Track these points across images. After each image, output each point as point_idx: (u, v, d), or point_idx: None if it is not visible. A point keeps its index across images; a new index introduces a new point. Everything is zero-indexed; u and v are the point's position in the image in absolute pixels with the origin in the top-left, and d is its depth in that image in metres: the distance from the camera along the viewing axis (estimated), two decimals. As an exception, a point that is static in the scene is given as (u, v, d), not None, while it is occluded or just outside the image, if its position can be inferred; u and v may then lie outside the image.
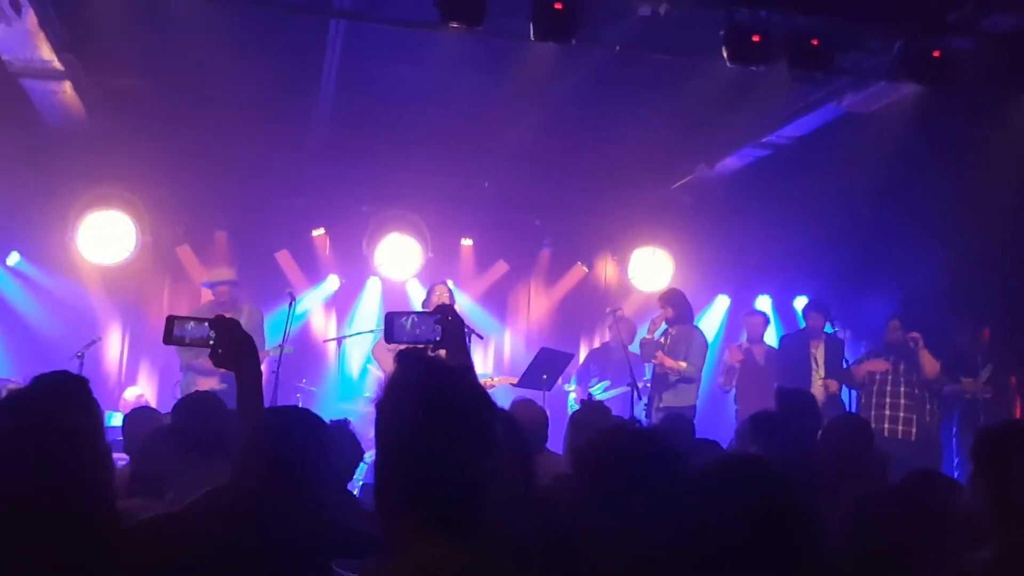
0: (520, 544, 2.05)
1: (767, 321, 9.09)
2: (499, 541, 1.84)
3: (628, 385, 7.69)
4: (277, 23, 7.05)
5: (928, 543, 2.35)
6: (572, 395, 8.97)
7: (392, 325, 2.65)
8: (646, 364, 8.05)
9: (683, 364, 7.66)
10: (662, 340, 7.92)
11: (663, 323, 7.96)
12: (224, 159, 8.74)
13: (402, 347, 2.54)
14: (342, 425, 3.85)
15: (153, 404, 7.54)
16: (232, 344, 2.34)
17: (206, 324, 2.40)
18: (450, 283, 9.21)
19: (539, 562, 2.03)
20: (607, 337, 9.96)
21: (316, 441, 2.69)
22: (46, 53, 6.95)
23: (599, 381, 8.83)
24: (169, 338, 2.46)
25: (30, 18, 6.41)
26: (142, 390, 8.61)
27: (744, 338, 8.94)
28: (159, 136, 8.30)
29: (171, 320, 2.47)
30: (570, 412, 7.95)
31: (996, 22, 6.14)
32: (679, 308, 7.97)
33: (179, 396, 7.40)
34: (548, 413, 4.66)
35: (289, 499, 2.46)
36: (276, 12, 6.85)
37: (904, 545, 2.37)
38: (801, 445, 4.02)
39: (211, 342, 2.34)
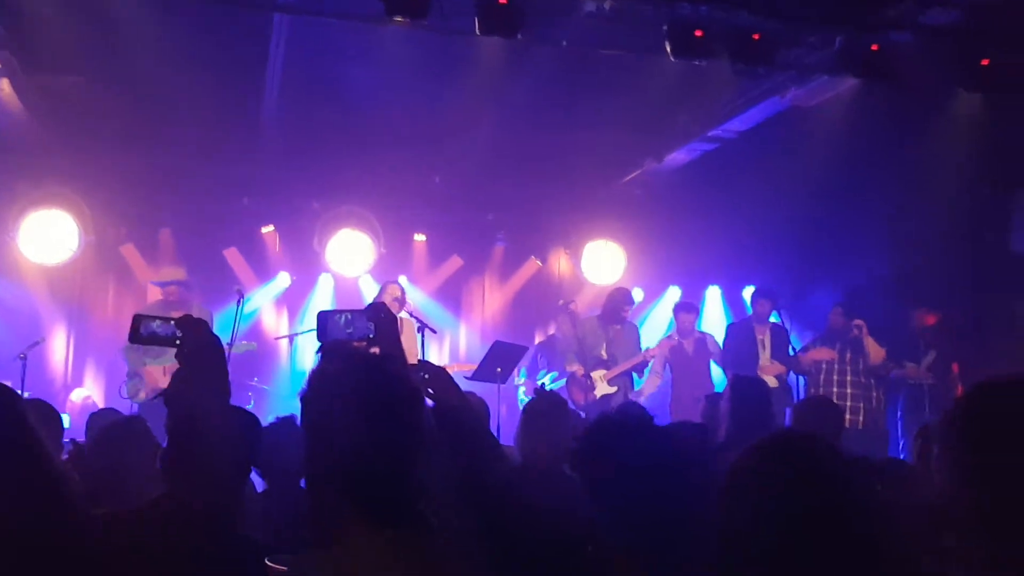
0: (460, 535, 2.07)
1: (697, 314, 9.20)
2: (435, 531, 1.87)
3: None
4: (220, 18, 6.96)
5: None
6: (522, 388, 9.03)
7: (325, 324, 2.63)
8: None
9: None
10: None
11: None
12: (169, 157, 8.62)
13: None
14: (289, 421, 3.84)
15: (100, 405, 7.43)
16: (198, 343, 2.31)
17: (172, 323, 2.37)
18: (403, 279, 9.25)
19: (479, 554, 2.05)
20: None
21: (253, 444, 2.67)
22: (-19, 50, 6.80)
23: (547, 372, 8.92)
24: (136, 336, 2.41)
25: (-37, 14, 6.27)
26: (89, 391, 8.47)
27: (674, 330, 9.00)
28: (101, 134, 8.15)
29: (138, 318, 2.42)
30: (520, 405, 8.03)
31: (934, 16, 6.28)
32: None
33: (125, 397, 7.35)
34: (496, 406, 4.69)
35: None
36: (218, 6, 6.76)
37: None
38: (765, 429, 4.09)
39: (177, 341, 2.31)
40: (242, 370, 7.91)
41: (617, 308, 8.35)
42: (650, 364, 8.38)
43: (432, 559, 1.81)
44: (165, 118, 8.01)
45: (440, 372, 2.68)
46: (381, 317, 2.60)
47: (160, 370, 7.21)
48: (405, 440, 1.88)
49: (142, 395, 7.29)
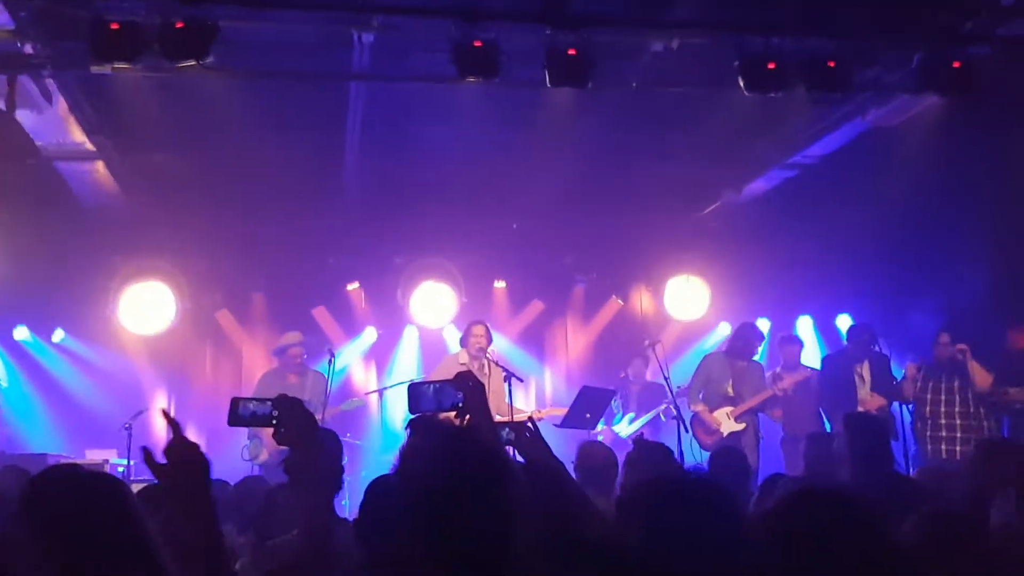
0: None
1: (802, 346, 8.96)
2: None
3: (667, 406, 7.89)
4: (299, 89, 7.20)
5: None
6: (599, 437, 8.90)
7: (416, 395, 2.71)
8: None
9: None
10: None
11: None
12: (256, 224, 8.92)
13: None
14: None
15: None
16: (295, 422, 2.36)
17: (268, 403, 2.43)
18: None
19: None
20: (645, 369, 9.94)
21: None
22: (77, 136, 7.19)
23: (623, 416, 8.79)
24: (234, 419, 2.51)
25: (60, 104, 6.64)
26: (108, 455, 8.67)
27: (780, 366, 8.77)
28: (192, 207, 8.49)
29: (235, 401, 2.53)
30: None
31: (1011, 28, 6.07)
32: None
33: (247, 459, 7.53)
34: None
35: None
36: (297, 80, 6.99)
37: None
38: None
39: (274, 420, 2.37)
40: (335, 425, 8.01)
41: (747, 344, 8.16)
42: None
43: None
44: (252, 186, 8.32)
45: (529, 431, 2.67)
46: (469, 385, 2.62)
47: None
48: (498, 510, 1.88)
49: (263, 456, 7.47)
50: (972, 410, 7.58)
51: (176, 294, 8.91)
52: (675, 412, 7.50)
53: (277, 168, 8.12)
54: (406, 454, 2.02)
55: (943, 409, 7.64)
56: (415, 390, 2.73)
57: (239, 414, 2.52)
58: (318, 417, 7.22)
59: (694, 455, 7.40)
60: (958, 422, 7.57)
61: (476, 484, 1.86)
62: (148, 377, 9.09)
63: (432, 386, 2.72)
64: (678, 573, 2.13)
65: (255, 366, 9.27)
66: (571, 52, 5.77)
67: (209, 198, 8.51)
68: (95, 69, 5.96)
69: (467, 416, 2.61)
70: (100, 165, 7.71)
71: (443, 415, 2.65)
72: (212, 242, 8.96)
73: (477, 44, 5.62)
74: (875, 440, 4.70)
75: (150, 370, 9.11)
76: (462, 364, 7.72)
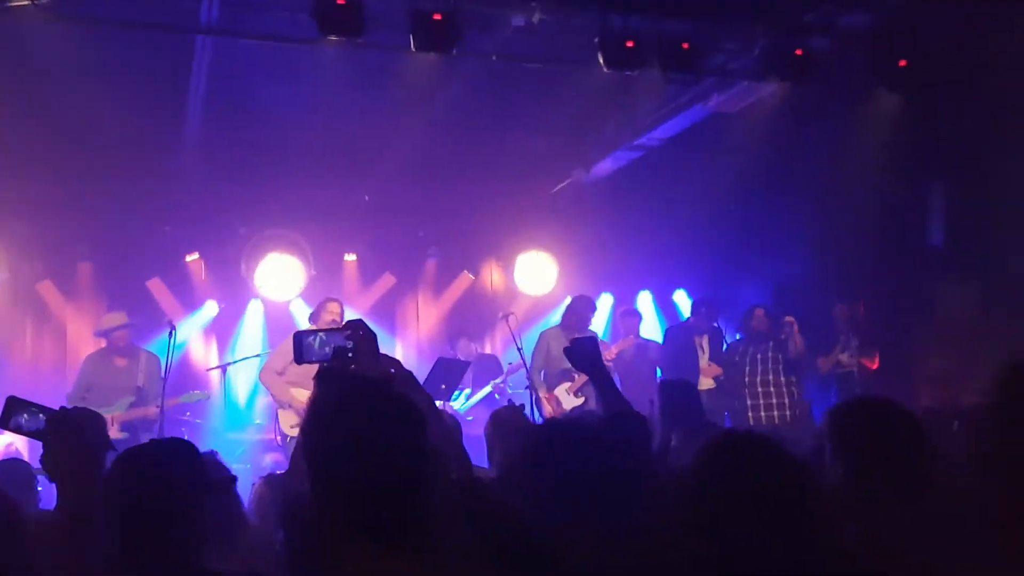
0: (466, 552, 2.06)
1: (640, 319, 9.32)
2: (443, 550, 1.85)
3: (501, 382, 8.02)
4: (139, 40, 6.71)
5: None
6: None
7: (301, 345, 2.61)
8: None
9: None
10: None
11: None
12: (86, 188, 8.28)
13: (314, 367, 2.52)
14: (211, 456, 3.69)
15: (25, 455, 7.03)
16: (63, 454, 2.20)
17: (42, 417, 2.30)
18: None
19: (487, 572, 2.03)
20: (497, 342, 10.04)
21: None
22: None
23: (459, 393, 8.78)
24: (5, 421, 2.34)
25: None
26: (11, 438, 8.00)
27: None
28: (11, 165, 7.74)
29: (10, 402, 2.36)
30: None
31: (851, 21, 6.52)
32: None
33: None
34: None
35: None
36: (138, 31, 6.52)
37: None
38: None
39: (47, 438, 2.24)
40: (175, 406, 7.59)
41: (581, 316, 8.25)
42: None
43: None
44: (80, 145, 7.70)
45: (369, 340, 2.61)
46: (360, 335, 2.56)
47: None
48: (409, 463, 1.86)
49: None
50: (783, 379, 8.16)
51: (-9, 262, 8.15)
52: (508, 389, 7.56)
53: (111, 126, 7.52)
54: (316, 408, 1.96)
55: (759, 379, 8.18)
56: (300, 339, 2.61)
57: (11, 418, 2.35)
58: (155, 405, 6.92)
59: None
60: (772, 389, 8.14)
61: (393, 434, 1.82)
62: (-40, 353, 8.30)
63: (319, 335, 2.62)
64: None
65: (81, 343, 8.61)
66: (436, 17, 5.70)
67: (32, 158, 7.77)
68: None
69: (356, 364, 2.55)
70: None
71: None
72: (34, 205, 8.21)
73: (340, 1, 5.45)
74: (687, 398, 4.96)
75: (-37, 345, 8.32)
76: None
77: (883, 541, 2.10)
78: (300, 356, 2.61)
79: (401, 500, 1.78)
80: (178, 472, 2.29)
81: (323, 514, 1.84)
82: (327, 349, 2.58)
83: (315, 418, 1.88)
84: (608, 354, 8.13)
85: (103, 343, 7.55)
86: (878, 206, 8.33)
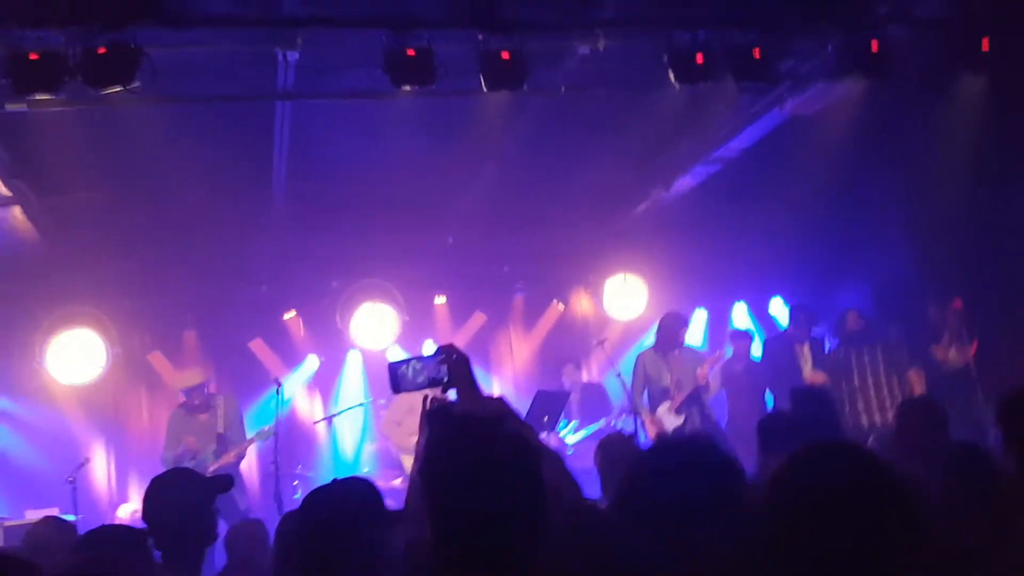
0: None
1: (751, 340, 9.16)
2: None
3: (625, 414, 7.76)
4: (222, 114, 6.99)
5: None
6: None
7: (396, 375, 2.60)
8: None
9: None
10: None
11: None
12: (184, 258, 8.63)
13: (410, 395, 2.54)
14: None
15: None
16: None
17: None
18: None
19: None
20: (593, 369, 10.00)
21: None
22: (-8, 182, 6.82)
23: (567, 423, 8.73)
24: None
25: (-28, 147, 6.30)
26: (135, 505, 8.33)
27: (730, 354, 8.92)
28: (114, 246, 8.18)
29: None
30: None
31: (926, 8, 6.33)
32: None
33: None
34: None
35: None
36: (220, 104, 6.79)
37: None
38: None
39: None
40: (285, 459, 7.77)
41: (672, 332, 8.07)
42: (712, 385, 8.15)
43: None
44: (176, 220, 8.03)
45: (463, 364, 2.60)
46: (453, 359, 2.53)
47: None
48: (531, 497, 1.86)
49: None
50: (889, 379, 7.85)
51: (104, 339, 8.55)
52: (628, 420, 7.47)
53: (202, 198, 7.88)
54: (431, 449, 1.97)
55: (864, 382, 7.88)
56: (395, 369, 2.60)
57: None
58: (235, 450, 7.14)
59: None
60: (877, 392, 7.83)
61: (508, 472, 1.82)
62: (82, 428, 8.66)
63: (412, 364, 2.59)
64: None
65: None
66: (504, 55, 5.77)
67: (132, 235, 8.19)
68: (10, 107, 5.69)
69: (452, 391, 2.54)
70: (17, 211, 7.35)
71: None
72: (137, 282, 8.63)
73: (410, 52, 5.57)
74: (822, 409, 4.82)
75: (84, 420, 8.69)
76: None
77: None
78: (396, 386, 2.60)
79: (519, 536, 1.79)
80: (366, 507, 2.42)
81: (441, 551, 1.84)
82: (421, 379, 2.56)
83: (431, 460, 1.89)
84: (701, 372, 7.95)
85: (182, 399, 7.76)
86: (972, 196, 8.01)
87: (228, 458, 7.29)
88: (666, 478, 2.18)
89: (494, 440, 1.91)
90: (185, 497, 3.23)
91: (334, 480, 2.69)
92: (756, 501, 2.08)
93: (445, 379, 2.52)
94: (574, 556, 2.20)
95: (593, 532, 2.42)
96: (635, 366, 8.21)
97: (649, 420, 7.83)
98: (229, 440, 7.44)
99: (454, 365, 2.52)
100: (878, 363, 7.93)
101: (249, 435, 7.62)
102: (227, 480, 3.41)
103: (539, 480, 1.87)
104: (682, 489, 2.15)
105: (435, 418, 2.34)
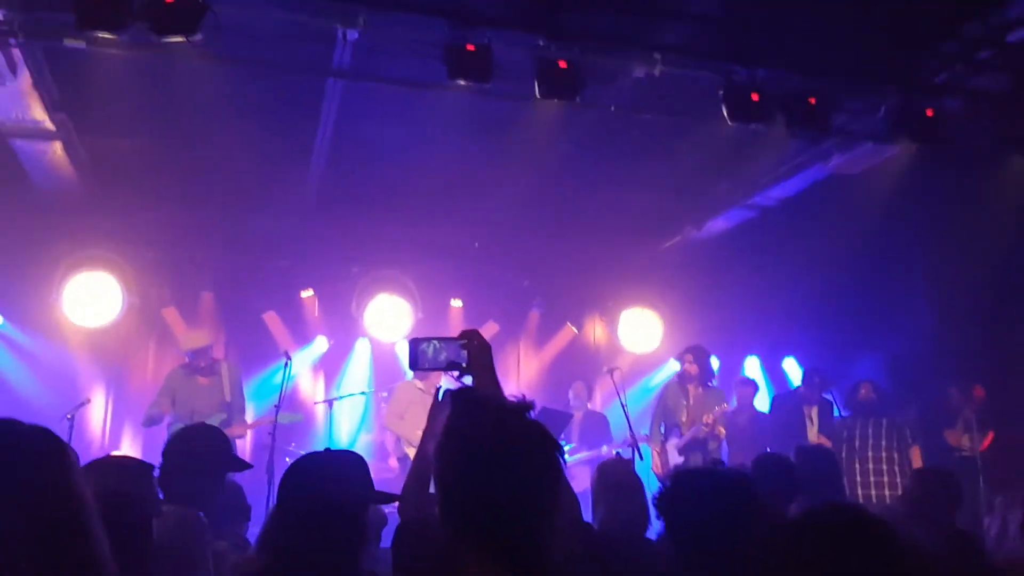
0: None
1: (756, 389, 9.08)
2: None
3: (624, 447, 7.64)
4: (274, 83, 7.02)
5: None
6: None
7: (415, 352, 2.60)
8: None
9: None
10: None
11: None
12: (212, 220, 8.67)
13: (427, 375, 2.54)
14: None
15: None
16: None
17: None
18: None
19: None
20: (597, 397, 9.93)
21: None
22: (38, 114, 6.87)
23: (564, 444, 8.68)
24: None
25: (24, 78, 6.35)
26: (125, 455, 8.33)
27: (734, 403, 8.83)
28: (146, 196, 8.21)
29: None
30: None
31: (983, 82, 6.30)
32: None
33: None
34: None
35: None
36: (273, 72, 6.82)
37: None
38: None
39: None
40: (281, 436, 7.74)
41: (708, 368, 7.98)
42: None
43: None
44: (211, 179, 8.07)
45: (484, 352, 2.61)
46: (475, 345, 2.53)
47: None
48: (541, 488, 1.83)
49: None
50: (896, 455, 7.75)
51: (123, 287, 8.58)
52: (627, 452, 7.40)
53: (240, 163, 7.91)
54: (451, 430, 1.92)
55: (868, 454, 7.77)
56: (416, 346, 2.60)
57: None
58: (241, 424, 7.11)
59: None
60: (883, 467, 7.72)
61: (527, 461, 1.79)
62: (87, 370, 8.67)
63: (433, 343, 2.60)
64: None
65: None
66: (562, 64, 5.79)
67: (165, 189, 8.23)
68: (69, 42, 5.73)
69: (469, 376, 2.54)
70: (58, 146, 7.40)
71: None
72: (165, 236, 8.66)
73: (470, 48, 5.59)
74: (827, 469, 4.76)
75: (90, 363, 8.71)
76: (419, 390, 7.60)
77: None
78: (414, 362, 2.61)
79: (533, 526, 1.76)
80: (354, 478, 2.43)
81: (450, 533, 1.81)
82: (441, 357, 2.56)
83: (451, 441, 1.85)
84: (707, 420, 7.82)
85: (185, 358, 7.73)
86: (1005, 281, 7.92)
87: (235, 431, 7.28)
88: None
89: (519, 424, 1.88)
90: (210, 456, 3.43)
91: (327, 451, 2.73)
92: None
93: (464, 364, 2.50)
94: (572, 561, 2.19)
95: (589, 548, 2.42)
96: (659, 394, 8.20)
97: (657, 452, 7.79)
98: (234, 409, 7.45)
99: (475, 351, 2.51)
100: (881, 437, 7.84)
101: (277, 417, 7.62)
102: (246, 465, 3.63)
103: (559, 470, 1.84)
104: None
105: (457, 400, 2.33)
